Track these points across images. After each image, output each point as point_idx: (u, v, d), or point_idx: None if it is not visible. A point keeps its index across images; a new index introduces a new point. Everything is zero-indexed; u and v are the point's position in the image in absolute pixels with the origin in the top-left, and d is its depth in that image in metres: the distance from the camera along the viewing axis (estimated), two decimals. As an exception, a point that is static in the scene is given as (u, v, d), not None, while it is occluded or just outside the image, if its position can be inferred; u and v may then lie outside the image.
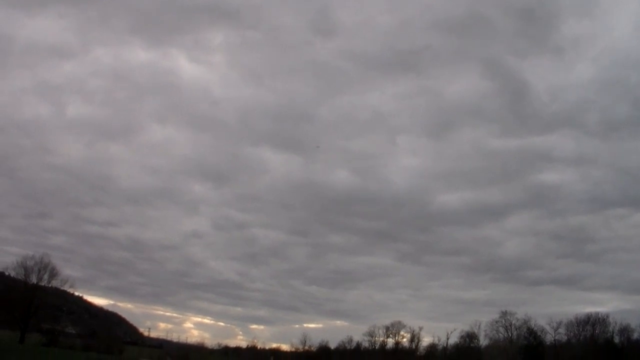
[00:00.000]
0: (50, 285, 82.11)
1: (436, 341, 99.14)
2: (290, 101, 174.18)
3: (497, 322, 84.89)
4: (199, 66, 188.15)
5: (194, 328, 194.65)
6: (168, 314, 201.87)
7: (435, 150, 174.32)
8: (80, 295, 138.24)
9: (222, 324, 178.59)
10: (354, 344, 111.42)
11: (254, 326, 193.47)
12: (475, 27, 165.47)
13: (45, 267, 79.25)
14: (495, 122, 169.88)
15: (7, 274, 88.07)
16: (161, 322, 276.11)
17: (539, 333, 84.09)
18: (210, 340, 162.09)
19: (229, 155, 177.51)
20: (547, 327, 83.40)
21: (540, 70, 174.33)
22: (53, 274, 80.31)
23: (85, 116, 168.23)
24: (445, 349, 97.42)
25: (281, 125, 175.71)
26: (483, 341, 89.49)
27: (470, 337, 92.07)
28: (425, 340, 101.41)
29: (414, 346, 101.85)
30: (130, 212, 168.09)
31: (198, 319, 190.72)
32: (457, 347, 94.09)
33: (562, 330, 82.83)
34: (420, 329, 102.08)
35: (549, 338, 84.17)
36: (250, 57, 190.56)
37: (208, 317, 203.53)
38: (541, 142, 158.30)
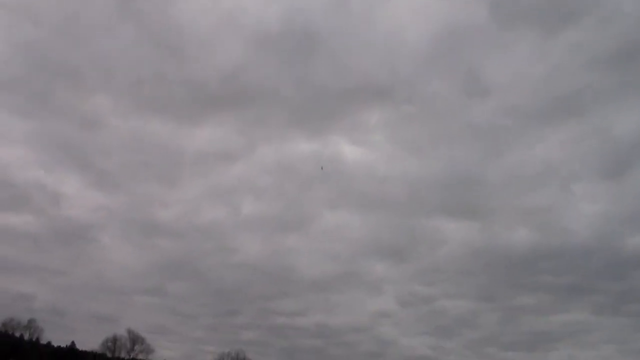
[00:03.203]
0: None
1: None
2: (456, 168, 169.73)
3: None
4: (360, 148, 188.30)
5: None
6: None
7: (614, 192, 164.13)
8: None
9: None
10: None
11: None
12: (633, 57, 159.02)
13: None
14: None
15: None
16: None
17: None
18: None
19: (404, 231, 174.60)
20: None
21: None
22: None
23: (259, 213, 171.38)
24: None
25: (451, 193, 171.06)
26: None
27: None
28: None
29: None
30: (315, 299, 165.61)
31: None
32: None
33: None
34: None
35: None
36: (408, 130, 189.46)
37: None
38: None
